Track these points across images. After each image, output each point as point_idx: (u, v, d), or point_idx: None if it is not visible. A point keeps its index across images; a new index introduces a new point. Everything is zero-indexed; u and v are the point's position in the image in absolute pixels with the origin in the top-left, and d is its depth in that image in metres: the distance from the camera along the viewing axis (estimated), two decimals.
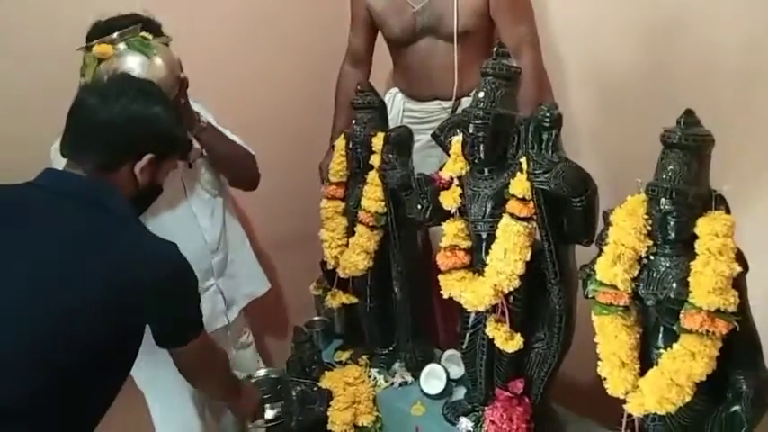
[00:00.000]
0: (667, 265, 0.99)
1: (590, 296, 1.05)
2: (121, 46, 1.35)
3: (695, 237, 0.95)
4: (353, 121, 1.50)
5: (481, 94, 1.18)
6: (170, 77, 1.39)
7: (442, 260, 1.27)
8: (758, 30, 1.50)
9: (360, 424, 1.51)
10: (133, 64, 1.34)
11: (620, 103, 1.76)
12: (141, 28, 1.38)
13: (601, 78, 1.79)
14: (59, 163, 1.22)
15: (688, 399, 0.96)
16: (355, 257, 1.48)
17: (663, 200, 0.95)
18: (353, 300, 1.60)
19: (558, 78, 1.77)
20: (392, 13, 1.69)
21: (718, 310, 0.91)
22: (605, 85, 1.79)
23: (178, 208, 1.56)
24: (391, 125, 1.53)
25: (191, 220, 1.59)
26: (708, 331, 0.92)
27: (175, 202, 1.55)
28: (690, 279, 0.94)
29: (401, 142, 1.41)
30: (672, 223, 0.96)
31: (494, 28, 1.67)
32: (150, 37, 1.39)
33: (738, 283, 0.93)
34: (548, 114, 1.08)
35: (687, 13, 1.60)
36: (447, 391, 1.48)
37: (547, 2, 1.82)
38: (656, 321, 1.02)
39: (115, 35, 1.35)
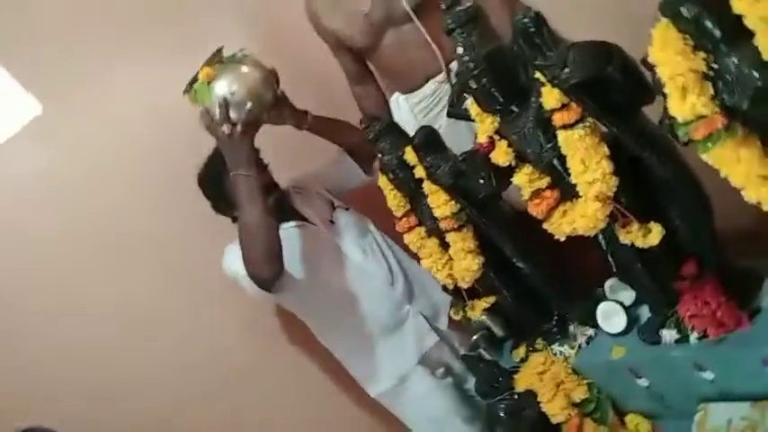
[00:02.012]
0: (735, 61, 0.89)
1: (687, 142, 0.96)
2: (218, 66, 1.51)
3: (740, 17, 0.86)
4: (379, 155, 1.49)
5: (460, 50, 1.15)
6: (269, 73, 1.56)
7: (535, 209, 1.22)
8: None
9: (578, 400, 1.43)
10: (242, 71, 1.52)
11: None
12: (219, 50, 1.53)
13: None
14: None
15: None
16: (465, 263, 1.44)
17: (683, 8, 0.87)
18: (492, 300, 1.55)
19: None
20: (349, 25, 1.71)
21: None
22: None
23: (342, 266, 1.70)
24: (407, 127, 1.52)
25: (358, 271, 1.70)
26: None
27: (337, 262, 1.70)
28: (765, 56, 0.84)
29: (428, 141, 1.39)
30: (708, 22, 0.87)
31: None
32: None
33: None
34: (526, 19, 1.03)
35: None
36: (633, 320, 1.38)
37: None
38: (765, 119, 0.92)
39: (207, 62, 1.50)
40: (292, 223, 1.72)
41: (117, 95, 2.02)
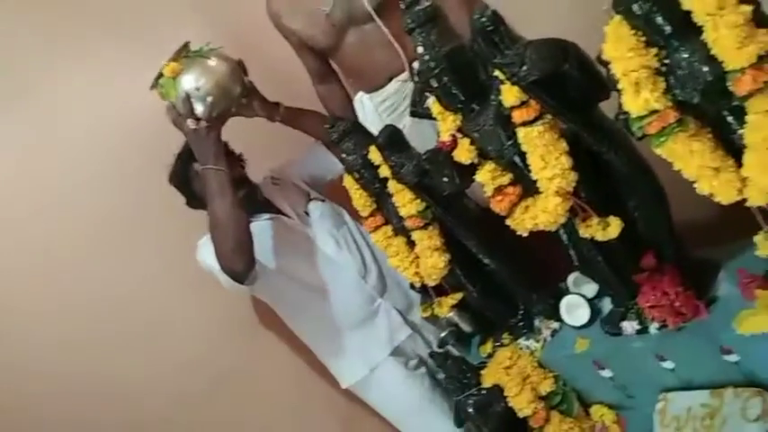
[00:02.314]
0: (686, 56, 0.92)
1: (641, 136, 0.98)
2: (184, 60, 1.50)
3: (690, 13, 0.88)
4: (343, 155, 1.49)
5: (420, 49, 1.16)
6: (236, 66, 1.56)
7: (498, 206, 1.23)
8: None
9: (544, 393, 1.45)
10: (207, 65, 1.51)
11: None
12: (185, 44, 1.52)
13: None
14: None
15: None
16: (431, 260, 1.45)
17: (635, 5, 0.89)
18: (459, 296, 1.56)
19: None
20: (310, 25, 1.70)
21: (760, 58, 0.83)
22: None
23: (316, 257, 1.71)
24: (372, 127, 1.52)
25: (331, 264, 1.72)
26: (765, 82, 0.84)
27: (312, 254, 1.71)
28: (714, 51, 0.87)
29: (392, 140, 1.39)
30: (658, 18, 0.89)
31: None
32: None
33: (761, 20, 0.85)
34: (483, 18, 1.04)
35: None
36: (595, 312, 1.40)
37: None
38: (716, 113, 0.95)
39: (172, 57, 1.48)
40: (266, 216, 1.72)
41: (76, 103, 2.00)
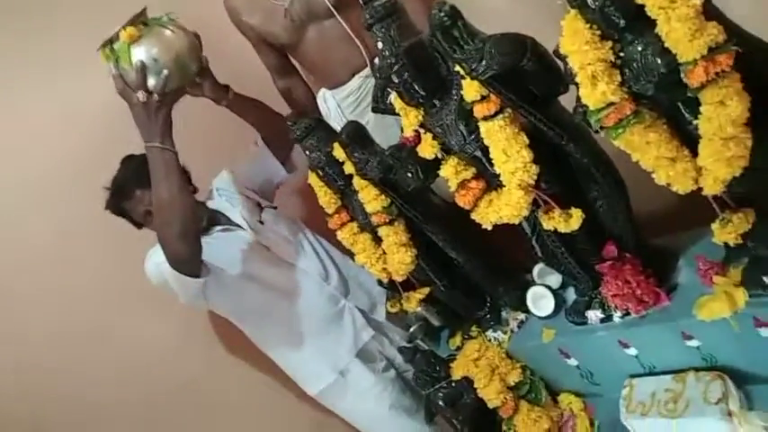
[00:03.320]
0: (640, 49, 0.93)
1: (599, 128, 1.00)
2: (142, 27, 1.39)
3: (643, 6, 0.90)
4: (307, 153, 1.48)
5: (380, 44, 1.16)
6: (195, 41, 1.47)
7: (462, 200, 1.23)
8: None
9: (512, 383, 1.47)
10: (166, 36, 1.41)
11: None
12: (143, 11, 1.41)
13: None
14: None
15: (750, 143, 0.89)
16: (398, 256, 1.45)
17: None
18: (426, 291, 1.56)
19: None
20: (269, 21, 1.68)
21: (711, 49, 0.85)
22: None
23: (274, 265, 1.69)
24: (333, 123, 1.51)
25: (290, 270, 1.70)
26: (717, 73, 0.86)
27: (269, 262, 1.68)
28: (667, 44, 0.88)
29: (356, 136, 1.38)
30: (612, 11, 0.90)
31: None
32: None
33: (711, 13, 0.87)
34: (441, 13, 1.04)
35: None
36: (560, 303, 1.43)
37: None
38: (670, 104, 0.96)
39: (129, 21, 1.37)
40: (219, 228, 1.69)
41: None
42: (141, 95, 1.35)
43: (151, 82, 1.37)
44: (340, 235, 1.56)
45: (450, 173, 1.23)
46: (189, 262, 1.48)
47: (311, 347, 1.72)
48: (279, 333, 1.72)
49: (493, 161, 1.15)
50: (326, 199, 1.52)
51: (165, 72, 1.37)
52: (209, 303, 1.64)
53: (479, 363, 1.49)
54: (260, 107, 1.75)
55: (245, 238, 1.68)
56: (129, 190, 1.63)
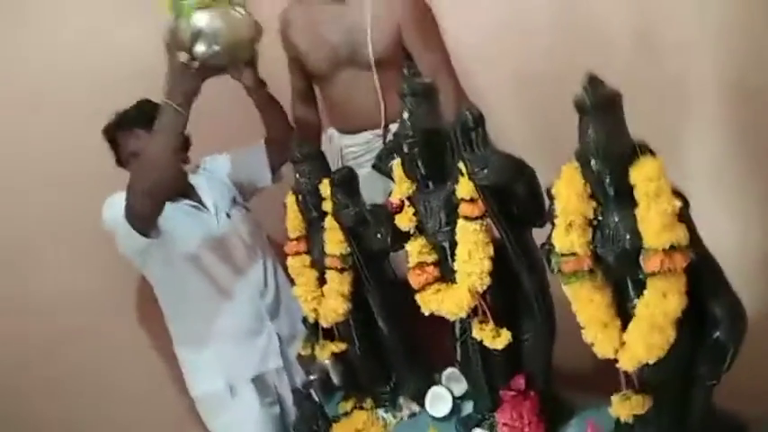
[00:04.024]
0: (616, 220, 1.03)
1: (555, 270, 1.09)
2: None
3: (633, 187, 1.01)
4: (297, 175, 1.54)
5: (406, 115, 1.25)
6: (257, 33, 1.49)
7: (414, 279, 1.30)
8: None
9: None
10: (233, 16, 1.42)
11: (537, 94, 1.89)
12: None
13: (515, 77, 1.92)
14: None
15: (672, 339, 0.99)
16: (333, 303, 1.50)
17: (592, 161, 1.01)
18: (343, 347, 1.60)
19: (476, 84, 1.87)
20: (314, 48, 1.76)
21: (672, 247, 0.96)
22: (520, 82, 1.91)
23: (222, 259, 1.69)
24: (331, 164, 1.58)
25: (235, 270, 1.71)
26: (669, 269, 0.96)
27: (219, 254, 1.69)
28: (639, 226, 0.99)
29: (346, 182, 1.45)
30: (607, 180, 1.01)
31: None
32: None
33: (684, 218, 0.98)
34: (469, 115, 1.14)
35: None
36: (455, 410, 1.47)
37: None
38: (622, 276, 1.06)
39: None
40: (187, 202, 1.71)
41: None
42: (184, 57, 1.38)
43: (200, 49, 1.39)
44: (290, 261, 1.60)
45: (415, 250, 1.30)
46: (144, 219, 1.49)
47: (216, 351, 1.71)
48: (195, 323, 1.71)
49: (455, 257, 1.23)
50: (294, 224, 1.58)
51: (217, 48, 1.40)
52: (145, 265, 1.64)
53: None
54: (280, 113, 1.80)
55: (206, 223, 1.71)
56: (131, 126, 1.66)
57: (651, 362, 1.01)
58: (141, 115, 1.65)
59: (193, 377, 1.77)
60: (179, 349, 1.78)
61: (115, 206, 1.52)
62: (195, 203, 1.72)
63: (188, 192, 1.74)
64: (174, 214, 1.60)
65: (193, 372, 1.77)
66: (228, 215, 1.74)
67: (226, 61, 1.46)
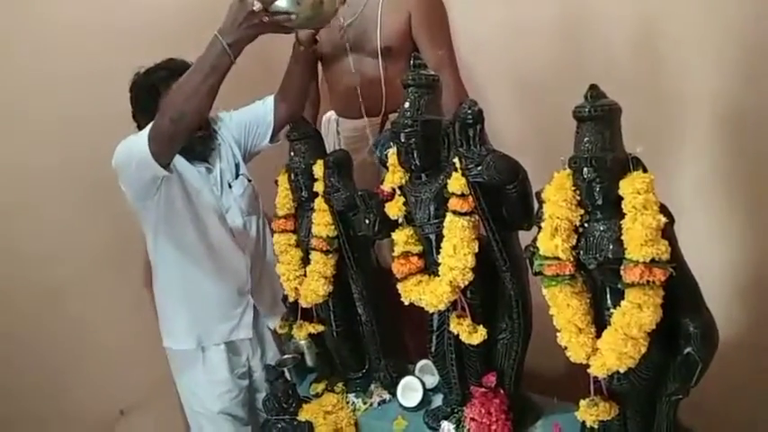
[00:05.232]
0: (601, 229, 1.05)
1: (537, 272, 1.10)
2: None
3: (621, 198, 1.02)
4: (291, 153, 1.54)
5: (406, 105, 1.25)
6: (340, 6, 1.45)
7: (398, 268, 1.31)
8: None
9: None
10: None
11: (536, 98, 1.91)
12: None
13: (515, 78, 1.94)
14: None
15: (644, 350, 1.01)
16: (315, 284, 1.51)
17: (585, 169, 1.02)
18: (320, 328, 1.61)
19: (477, 82, 1.88)
20: (325, 29, 1.71)
21: (653, 261, 0.97)
22: (520, 83, 1.93)
23: (220, 223, 1.70)
24: (328, 147, 1.58)
25: (230, 237, 1.72)
26: (648, 282, 0.98)
27: (213, 222, 1.69)
28: (623, 237, 1.01)
29: (341, 165, 1.46)
30: (597, 189, 1.03)
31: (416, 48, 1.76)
32: None
33: (667, 234, 1.00)
34: (469, 111, 1.15)
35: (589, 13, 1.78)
36: (425, 401, 1.49)
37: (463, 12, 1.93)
38: (601, 284, 1.08)
39: None
40: (203, 166, 1.70)
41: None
42: (256, 5, 1.31)
43: (281, 5, 1.33)
44: (275, 238, 1.61)
45: (402, 239, 1.31)
46: (167, 143, 1.45)
47: (193, 310, 1.71)
48: (180, 277, 1.70)
49: (440, 250, 1.24)
50: (284, 201, 1.58)
51: (294, 10, 1.34)
52: (147, 206, 1.60)
53: (328, 417, 1.53)
54: (310, 80, 1.76)
55: (211, 186, 1.70)
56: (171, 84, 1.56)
57: (621, 370, 1.03)
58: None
59: (166, 328, 1.77)
60: (158, 295, 1.77)
61: (131, 141, 1.49)
62: (209, 167, 1.72)
63: (203, 151, 1.72)
64: (187, 166, 1.63)
65: (168, 324, 1.77)
66: (230, 185, 1.73)
67: (296, 24, 1.38)
